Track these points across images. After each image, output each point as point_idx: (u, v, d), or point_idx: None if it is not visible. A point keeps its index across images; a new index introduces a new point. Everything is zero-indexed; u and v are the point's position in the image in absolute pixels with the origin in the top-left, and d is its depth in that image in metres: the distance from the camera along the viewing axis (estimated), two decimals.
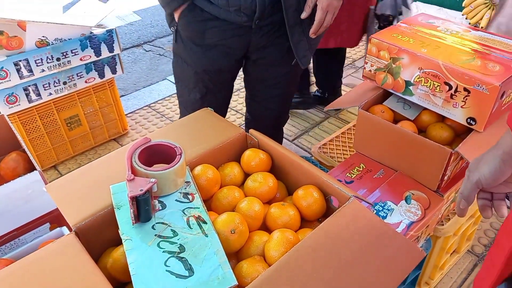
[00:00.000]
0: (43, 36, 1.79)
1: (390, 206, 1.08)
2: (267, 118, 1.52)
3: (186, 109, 1.44)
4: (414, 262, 0.67)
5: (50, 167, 2.06)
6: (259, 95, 1.45)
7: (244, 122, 1.67)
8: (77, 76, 1.96)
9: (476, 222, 1.43)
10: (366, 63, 1.21)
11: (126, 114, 2.36)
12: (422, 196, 1.10)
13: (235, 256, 0.76)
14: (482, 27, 1.90)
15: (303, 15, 1.18)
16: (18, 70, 1.76)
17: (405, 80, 1.13)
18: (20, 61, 1.75)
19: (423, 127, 1.19)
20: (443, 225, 1.19)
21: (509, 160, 0.61)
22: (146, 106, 2.56)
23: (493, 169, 0.63)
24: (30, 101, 1.86)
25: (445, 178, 1.09)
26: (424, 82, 1.09)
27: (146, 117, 2.45)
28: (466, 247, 1.55)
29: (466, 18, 2.73)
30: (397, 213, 1.06)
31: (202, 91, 1.36)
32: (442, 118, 1.18)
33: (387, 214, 1.07)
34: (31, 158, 1.15)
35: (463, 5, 2.77)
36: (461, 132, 1.17)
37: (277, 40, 1.26)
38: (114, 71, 2.08)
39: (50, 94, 1.91)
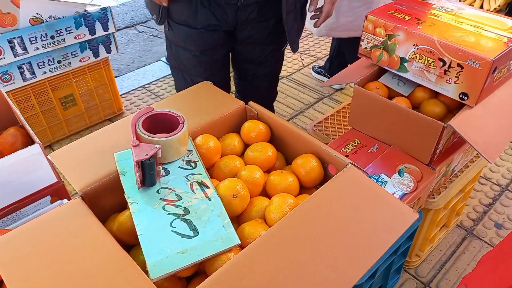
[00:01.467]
0: (37, 14, 1.77)
1: (383, 178, 1.12)
2: (257, 96, 1.54)
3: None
4: (407, 223, 0.70)
5: (45, 146, 2.06)
6: (248, 74, 1.48)
7: None
8: (72, 54, 1.95)
9: (466, 197, 1.48)
10: (362, 40, 1.23)
11: (120, 95, 2.35)
12: (415, 169, 1.14)
13: (236, 220, 0.79)
14: None
15: (310, 9, 1.26)
16: (12, 48, 1.74)
17: (400, 57, 1.15)
18: (14, 38, 1.73)
19: (417, 103, 1.22)
20: (434, 198, 1.24)
21: None
22: (141, 87, 2.55)
23: None
24: (24, 79, 1.85)
25: (437, 152, 1.13)
26: (419, 59, 1.12)
27: (141, 97, 2.45)
28: (456, 222, 1.61)
29: (459, 0, 2.75)
30: (391, 185, 1.10)
31: (205, 74, 1.37)
32: (435, 95, 1.21)
33: (381, 186, 1.10)
34: (30, 132, 1.16)
35: None
36: (453, 108, 1.21)
37: (263, 17, 1.28)
38: (108, 50, 2.07)
39: (45, 72, 1.90)
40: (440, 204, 1.25)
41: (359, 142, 1.23)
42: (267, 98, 1.62)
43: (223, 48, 1.37)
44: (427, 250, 1.49)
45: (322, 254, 0.65)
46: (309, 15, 1.34)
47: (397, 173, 1.12)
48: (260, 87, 1.51)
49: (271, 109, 1.72)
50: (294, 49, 1.36)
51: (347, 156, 1.19)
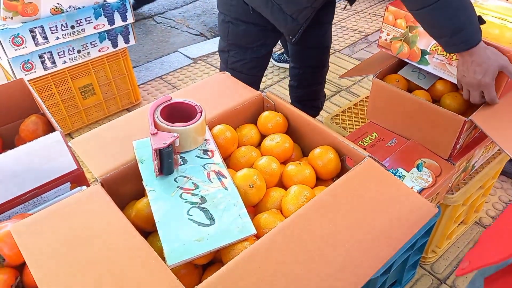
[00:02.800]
0: (58, 3, 1.79)
1: (401, 172, 1.10)
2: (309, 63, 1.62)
3: (242, 72, 1.45)
4: (426, 217, 0.69)
5: (65, 135, 2.10)
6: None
7: None
8: (91, 44, 1.98)
9: (485, 194, 1.45)
10: (382, 32, 1.21)
11: (138, 85, 2.38)
12: (434, 164, 1.12)
13: (253, 209, 0.79)
14: None
15: None
16: (34, 37, 1.78)
17: (421, 49, 1.13)
18: (35, 28, 1.76)
19: (437, 96, 1.20)
20: (453, 194, 1.21)
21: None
22: (158, 77, 2.57)
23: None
24: (45, 68, 1.88)
25: (458, 146, 1.10)
26: (441, 51, 1.09)
27: (158, 88, 2.47)
28: (474, 219, 1.58)
29: None
30: (408, 179, 1.09)
31: (267, 47, 1.42)
32: (456, 88, 1.18)
33: None
34: (52, 120, 1.18)
35: None
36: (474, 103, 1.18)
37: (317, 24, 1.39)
38: (127, 41, 2.09)
39: (65, 62, 1.93)
40: (459, 200, 1.23)
41: (376, 136, 1.22)
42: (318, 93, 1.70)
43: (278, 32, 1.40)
44: (444, 247, 1.46)
45: (337, 246, 0.65)
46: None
47: (415, 168, 1.11)
48: (314, 80, 1.59)
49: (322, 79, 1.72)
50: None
51: (364, 149, 1.18)
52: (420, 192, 1.06)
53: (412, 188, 1.07)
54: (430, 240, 1.37)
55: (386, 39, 1.21)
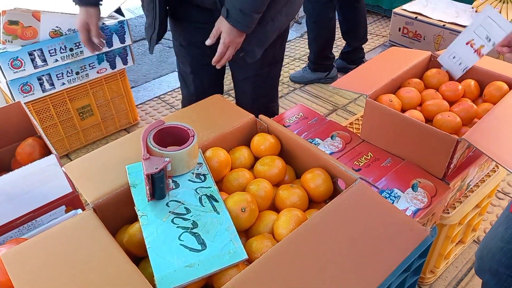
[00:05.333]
0: (57, 27, 1.83)
1: (396, 193, 1.10)
2: (244, 101, 1.52)
3: (184, 82, 1.52)
4: (418, 239, 0.69)
5: (62, 155, 2.11)
6: (235, 77, 1.48)
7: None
8: (89, 66, 2.00)
9: (482, 212, 1.45)
10: None
11: (136, 105, 2.40)
12: (429, 184, 1.12)
13: (245, 234, 0.79)
14: None
15: (207, 42, 1.21)
16: (33, 60, 1.80)
17: None
18: (34, 51, 1.79)
19: (430, 116, 1.21)
20: (449, 213, 1.21)
21: None
22: (156, 97, 2.59)
23: None
24: (44, 90, 1.90)
25: (451, 166, 1.11)
26: None
27: (156, 108, 2.49)
28: (472, 238, 1.57)
29: (476, 11, 2.72)
30: (404, 200, 1.08)
31: (193, 65, 1.43)
32: (449, 106, 1.20)
33: (394, 201, 1.09)
34: (47, 143, 1.19)
35: None
36: (468, 121, 1.19)
37: None
38: (125, 62, 2.12)
39: (63, 84, 1.95)
40: (455, 219, 1.22)
41: (372, 156, 1.22)
42: (254, 105, 1.51)
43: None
44: (442, 267, 1.45)
45: (330, 270, 0.65)
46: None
47: (410, 188, 1.11)
48: (244, 92, 1.48)
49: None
50: (250, 58, 1.28)
51: (359, 170, 1.18)
52: (415, 212, 1.05)
53: (407, 208, 1.07)
54: (428, 260, 1.36)
55: None
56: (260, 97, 1.50)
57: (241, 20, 1.13)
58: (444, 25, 2.67)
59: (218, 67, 1.26)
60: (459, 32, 2.57)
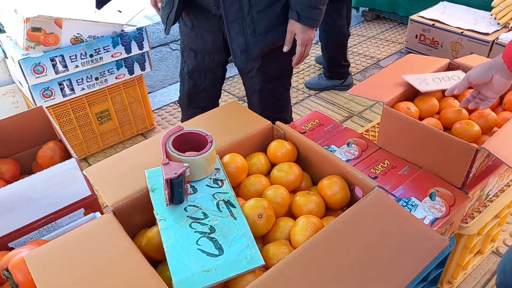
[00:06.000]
0: (78, 33, 1.87)
1: (414, 202, 1.09)
2: (254, 111, 1.53)
3: (181, 80, 1.56)
4: (436, 249, 0.68)
5: (81, 159, 2.15)
6: (246, 88, 1.51)
7: None
8: (108, 72, 2.04)
9: (501, 223, 1.42)
10: None
11: (153, 110, 2.43)
12: (447, 193, 1.10)
13: (261, 240, 0.79)
14: None
15: (285, 49, 1.30)
16: (54, 66, 1.85)
17: None
18: (56, 57, 1.83)
19: (448, 124, 1.19)
20: (467, 223, 1.19)
21: (493, 68, 0.95)
22: (172, 102, 2.63)
23: (480, 70, 0.98)
24: (64, 95, 1.95)
25: (470, 175, 1.09)
26: None
27: (172, 113, 2.52)
28: (491, 248, 1.54)
29: (495, 18, 2.69)
30: (421, 209, 1.07)
31: (189, 67, 1.46)
32: (468, 114, 1.18)
33: (411, 209, 1.07)
34: (68, 147, 1.22)
35: (492, 4, 2.73)
36: (487, 130, 1.17)
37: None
38: (143, 68, 2.15)
39: (83, 89, 2.00)
40: (474, 229, 1.20)
41: (388, 163, 1.21)
42: (265, 115, 1.56)
43: (212, 55, 1.42)
44: (460, 277, 1.42)
45: (346, 278, 0.64)
46: None
47: (428, 197, 1.09)
48: (252, 103, 1.52)
49: None
50: (237, 63, 1.30)
51: (376, 177, 1.17)
52: (433, 222, 1.04)
53: (425, 217, 1.05)
54: (445, 271, 1.34)
55: None
56: (267, 109, 1.52)
57: (312, 17, 1.22)
58: (462, 32, 2.64)
59: (296, 66, 1.36)
60: (477, 39, 2.55)
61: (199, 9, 1.31)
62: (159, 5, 1.42)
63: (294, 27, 1.25)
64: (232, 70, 1.48)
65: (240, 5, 1.20)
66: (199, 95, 1.54)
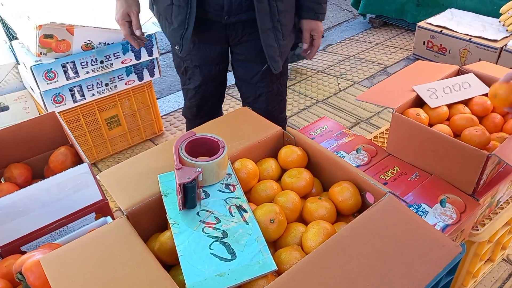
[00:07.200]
0: (89, 40, 1.90)
1: (424, 208, 1.09)
2: None
3: (185, 96, 1.59)
4: (450, 256, 0.68)
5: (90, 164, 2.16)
6: (247, 96, 1.53)
7: None
8: (118, 78, 2.07)
9: None
10: None
11: (161, 116, 2.45)
12: (458, 200, 1.10)
13: (273, 245, 0.80)
14: None
15: (305, 46, 1.41)
16: (65, 72, 1.87)
17: None
18: (67, 63, 1.86)
19: (458, 130, 1.19)
20: (478, 230, 1.18)
21: None
22: (180, 108, 2.64)
23: None
24: (74, 101, 1.97)
25: (481, 182, 1.09)
26: None
27: (180, 119, 2.54)
28: (501, 256, 1.52)
29: (503, 25, 2.68)
30: (432, 215, 1.07)
31: (196, 83, 1.48)
32: (479, 121, 1.18)
33: (421, 216, 1.07)
34: (80, 151, 1.23)
35: (500, 11, 2.72)
36: (497, 137, 1.17)
37: (251, 36, 1.34)
38: (152, 74, 2.18)
39: (93, 95, 2.02)
40: (485, 237, 1.19)
41: (398, 170, 1.21)
42: (268, 118, 1.58)
43: (216, 66, 1.45)
44: (470, 285, 1.41)
45: (358, 284, 0.64)
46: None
47: (438, 203, 1.09)
48: (258, 109, 1.50)
49: None
50: (275, 69, 1.38)
51: (386, 183, 1.17)
52: (444, 229, 1.04)
53: (435, 224, 1.05)
54: (455, 278, 1.33)
55: None
56: (272, 111, 1.56)
57: (324, 11, 1.37)
58: (470, 39, 2.64)
59: (310, 59, 1.48)
60: (486, 46, 2.55)
61: (206, 23, 1.33)
62: (137, 32, 1.37)
63: (311, 25, 1.37)
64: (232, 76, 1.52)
65: (271, 13, 1.25)
66: (207, 103, 1.56)
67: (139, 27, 1.37)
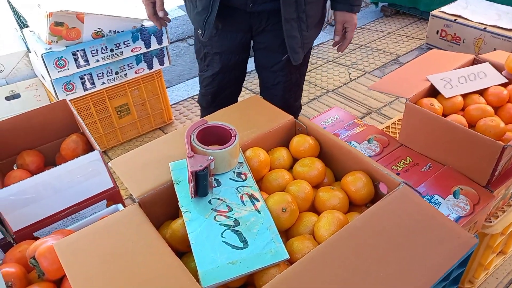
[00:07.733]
0: (99, 28, 1.89)
1: (437, 199, 1.08)
2: (273, 103, 1.55)
3: (201, 83, 1.56)
4: (465, 248, 0.67)
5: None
6: (265, 82, 1.52)
7: None
8: (128, 66, 2.06)
9: None
10: None
11: (171, 105, 2.45)
12: (471, 191, 1.08)
13: (285, 234, 0.79)
14: None
15: (336, 39, 1.40)
16: (76, 60, 1.88)
17: None
18: (77, 51, 1.86)
19: (473, 121, 1.17)
20: (491, 222, 1.17)
21: None
22: (190, 97, 2.64)
23: None
24: (85, 89, 1.98)
25: (496, 173, 1.07)
26: None
27: (190, 108, 2.54)
28: None
29: None
30: (445, 207, 1.06)
31: (214, 70, 1.46)
32: (493, 112, 1.16)
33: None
34: (91, 139, 1.24)
35: None
36: None
37: (275, 26, 1.32)
38: (162, 63, 2.17)
39: (103, 83, 2.02)
40: (498, 229, 1.18)
41: (411, 160, 1.20)
42: (284, 105, 1.55)
43: (237, 55, 1.43)
44: (482, 277, 1.40)
45: (371, 274, 0.64)
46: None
47: (452, 195, 1.08)
48: (275, 95, 1.52)
49: None
50: (295, 60, 1.35)
51: (398, 174, 1.16)
52: (457, 220, 1.02)
53: (448, 216, 1.04)
54: (467, 270, 1.32)
55: None
56: (288, 98, 1.54)
57: (360, 3, 1.35)
58: (485, 28, 2.58)
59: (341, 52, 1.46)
60: (501, 35, 2.49)
61: (230, 10, 1.31)
62: (161, 14, 1.38)
63: (345, 17, 1.35)
64: (248, 65, 1.49)
65: (297, 3, 1.23)
66: (223, 93, 1.54)
67: (163, 9, 1.39)
